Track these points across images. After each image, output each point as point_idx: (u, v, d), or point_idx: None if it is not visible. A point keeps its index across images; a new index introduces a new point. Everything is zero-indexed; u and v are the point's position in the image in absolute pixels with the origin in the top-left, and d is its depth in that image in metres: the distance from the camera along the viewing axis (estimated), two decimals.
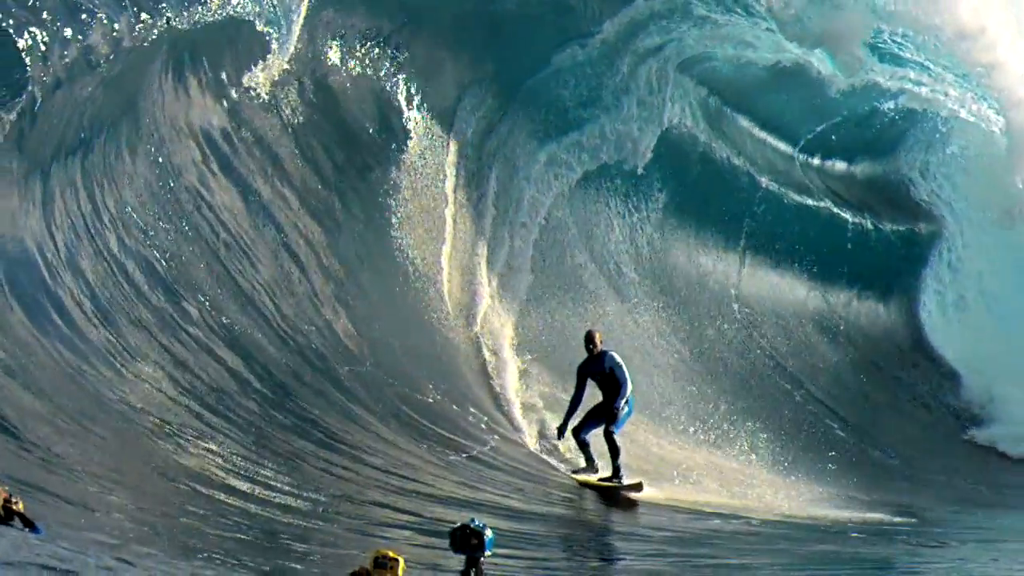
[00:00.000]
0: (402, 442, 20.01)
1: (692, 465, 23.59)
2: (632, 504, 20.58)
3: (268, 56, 22.11)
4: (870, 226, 34.75)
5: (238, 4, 21.07)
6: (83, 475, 14.60)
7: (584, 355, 21.04)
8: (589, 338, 20.92)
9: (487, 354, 24.06)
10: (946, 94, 34.58)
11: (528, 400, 23.51)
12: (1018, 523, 25.03)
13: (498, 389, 23.50)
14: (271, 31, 21.86)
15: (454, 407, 21.93)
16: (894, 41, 33.89)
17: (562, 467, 21.71)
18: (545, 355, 24.87)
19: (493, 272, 25.48)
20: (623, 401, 20.60)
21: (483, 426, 21.83)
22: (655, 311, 28.44)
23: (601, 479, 20.86)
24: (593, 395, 20.97)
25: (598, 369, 20.69)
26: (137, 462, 15.62)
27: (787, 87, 32.57)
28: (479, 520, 9.85)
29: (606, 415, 20.65)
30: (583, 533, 19.46)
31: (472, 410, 22.14)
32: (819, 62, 32.62)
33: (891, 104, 34.52)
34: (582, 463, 21.24)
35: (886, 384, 32.44)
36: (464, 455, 20.48)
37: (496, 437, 21.65)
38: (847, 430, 29.70)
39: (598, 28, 28.43)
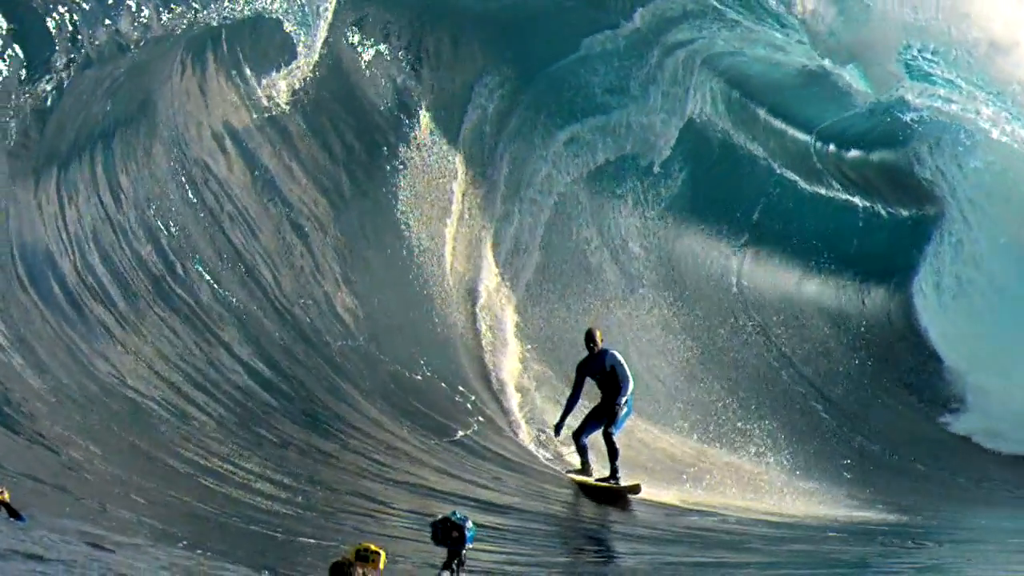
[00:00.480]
0: (387, 423, 19.99)
1: (688, 460, 23.67)
2: (613, 500, 20.58)
3: (293, 60, 22.10)
4: (882, 212, 34.79)
5: None
6: (67, 459, 14.59)
7: (580, 354, 21.09)
8: (589, 336, 20.75)
9: (485, 332, 24.00)
10: (978, 112, 34.44)
11: (522, 383, 23.51)
12: (993, 523, 25.08)
13: (491, 368, 23.49)
14: (299, 31, 21.82)
15: (443, 385, 21.90)
16: (924, 58, 33.84)
17: (543, 452, 21.73)
18: (546, 337, 24.92)
19: (499, 249, 25.45)
20: (624, 399, 20.56)
21: (469, 406, 21.81)
22: (663, 297, 28.55)
23: (599, 480, 20.76)
24: (587, 394, 21.00)
25: (598, 367, 20.54)
26: (120, 442, 15.60)
27: (810, 86, 32.65)
28: (460, 512, 9.88)
29: (606, 415, 20.52)
30: (561, 526, 19.45)
31: (461, 389, 22.13)
32: (851, 77, 32.66)
33: (915, 115, 34.49)
34: (576, 463, 21.23)
35: (875, 367, 32.53)
36: (446, 439, 20.47)
37: (481, 420, 21.63)
38: (832, 412, 29.81)
39: (628, 19, 28.46)
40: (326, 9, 22.25)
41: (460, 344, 23.43)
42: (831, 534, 21.26)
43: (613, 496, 20.57)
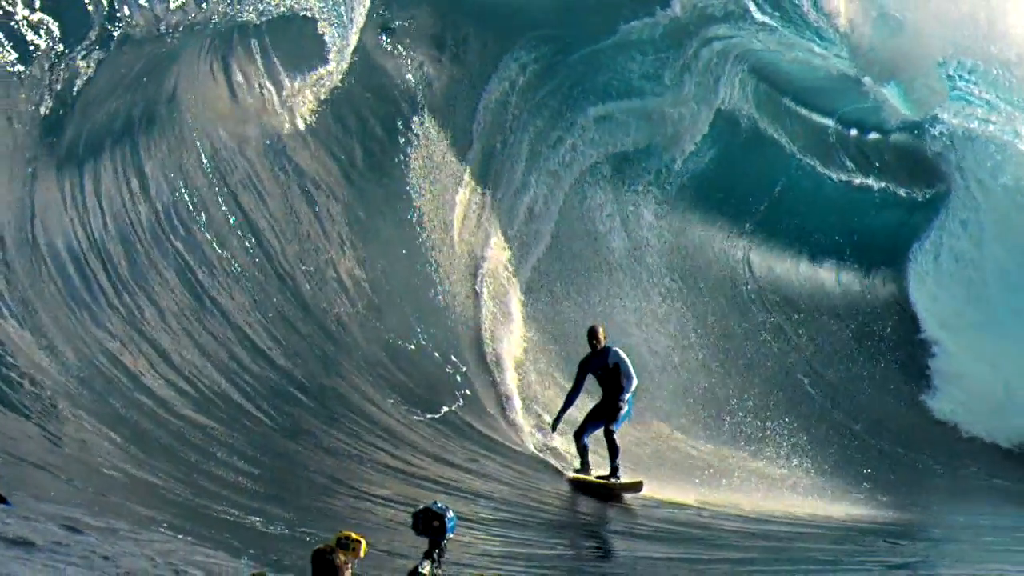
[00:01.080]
0: (376, 398, 19.97)
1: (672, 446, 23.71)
2: (614, 498, 20.53)
3: (327, 59, 22.00)
4: (900, 192, 34.76)
5: None
6: (52, 435, 14.56)
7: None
8: (592, 333, 20.69)
9: (487, 300, 23.89)
10: (1017, 133, 34.25)
11: (520, 358, 23.45)
12: (970, 519, 25.04)
13: (489, 341, 23.39)
14: (333, 31, 21.72)
15: (437, 356, 21.87)
16: (960, 76, 33.76)
17: (535, 434, 21.72)
18: (550, 314, 24.88)
19: (512, 219, 25.37)
20: (627, 396, 20.49)
21: (459, 378, 21.79)
22: (671, 275, 28.58)
23: (598, 477, 20.72)
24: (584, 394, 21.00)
25: (601, 364, 20.50)
26: (105, 414, 15.59)
27: (844, 89, 32.71)
28: (441, 502, 9.97)
29: (607, 414, 20.48)
30: (539, 517, 19.35)
31: (455, 360, 22.07)
32: (890, 94, 32.64)
33: (944, 128, 34.43)
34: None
35: (865, 345, 32.55)
36: (433, 415, 20.45)
37: (471, 395, 21.60)
38: (819, 387, 29.85)
39: (666, 7, 28.46)
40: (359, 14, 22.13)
41: (460, 315, 23.31)
42: (805, 531, 21.27)
43: (614, 493, 20.55)
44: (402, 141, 23.81)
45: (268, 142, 21.31)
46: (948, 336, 33.62)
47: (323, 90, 22.21)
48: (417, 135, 24.06)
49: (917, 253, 35.26)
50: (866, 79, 32.13)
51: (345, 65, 22.20)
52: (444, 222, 23.93)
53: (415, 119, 24.14)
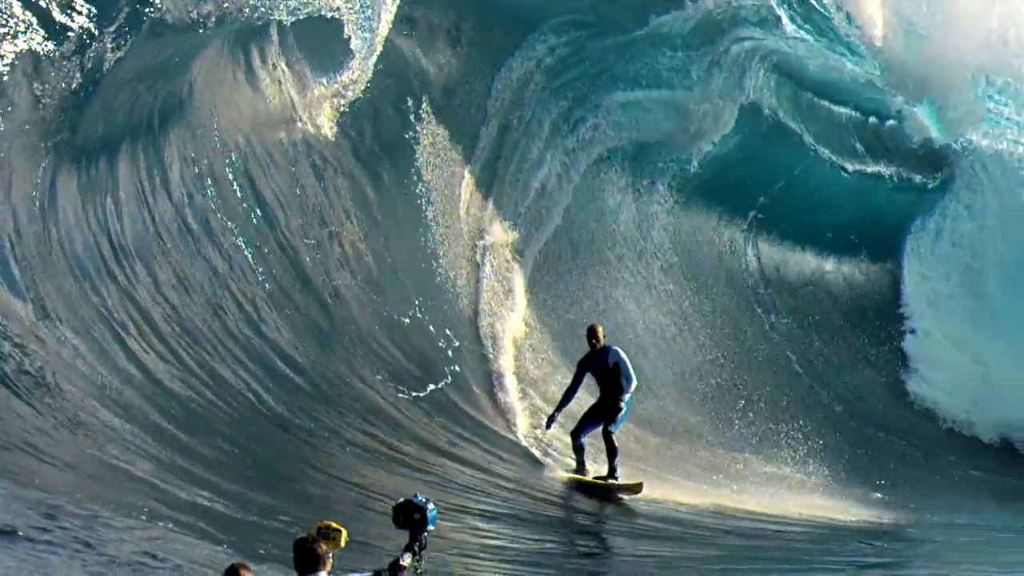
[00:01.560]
0: (367, 376, 19.95)
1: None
2: (612, 497, 20.50)
3: (349, 48, 21.89)
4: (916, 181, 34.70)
5: None
6: (38, 415, 14.59)
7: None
8: (592, 332, 20.49)
9: (488, 272, 23.88)
10: None
11: (519, 338, 23.41)
12: (944, 518, 25.04)
13: (488, 317, 23.30)
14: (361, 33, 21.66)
15: (432, 330, 21.85)
16: (989, 96, 33.65)
17: (523, 428, 21.74)
18: (553, 296, 24.83)
19: (524, 196, 25.26)
20: (628, 395, 20.42)
21: (451, 354, 21.77)
22: (675, 264, 28.60)
23: (597, 478, 20.62)
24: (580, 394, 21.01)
25: (600, 364, 20.30)
26: (91, 389, 15.63)
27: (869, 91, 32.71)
28: (422, 495, 10.01)
29: (606, 413, 20.33)
30: (516, 510, 19.35)
31: (448, 332, 22.03)
32: (921, 114, 32.56)
33: (966, 141, 34.31)
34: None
35: (851, 329, 32.53)
36: (422, 393, 20.44)
37: (462, 372, 21.57)
38: (807, 371, 29.86)
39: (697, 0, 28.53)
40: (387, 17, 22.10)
41: (462, 291, 23.23)
42: (784, 529, 21.26)
43: (612, 494, 20.43)
44: (412, 118, 23.70)
45: (280, 118, 21.24)
46: (941, 330, 33.50)
47: (339, 72, 22.15)
48: (429, 112, 23.92)
49: (920, 233, 35.01)
50: (898, 98, 32.11)
51: (373, 59, 22.15)
52: (453, 196, 23.82)
53: (427, 97, 23.98)
